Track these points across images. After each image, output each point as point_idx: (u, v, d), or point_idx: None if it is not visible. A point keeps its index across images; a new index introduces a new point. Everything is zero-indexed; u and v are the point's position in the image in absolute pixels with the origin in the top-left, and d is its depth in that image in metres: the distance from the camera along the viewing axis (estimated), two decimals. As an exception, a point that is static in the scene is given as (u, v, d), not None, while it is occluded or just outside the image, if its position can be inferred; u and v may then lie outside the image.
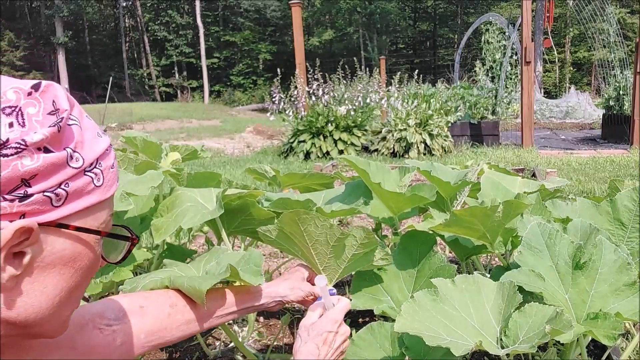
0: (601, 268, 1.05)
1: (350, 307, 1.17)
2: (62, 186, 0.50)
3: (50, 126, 0.48)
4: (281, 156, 7.60)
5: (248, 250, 1.12)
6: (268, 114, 8.26)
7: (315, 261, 1.10)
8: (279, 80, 8.16)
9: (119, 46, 37.81)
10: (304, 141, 7.32)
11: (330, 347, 0.90)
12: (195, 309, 0.94)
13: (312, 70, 7.95)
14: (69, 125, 0.52)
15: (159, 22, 36.95)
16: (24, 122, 0.47)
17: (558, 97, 17.78)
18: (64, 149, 0.50)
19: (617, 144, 7.69)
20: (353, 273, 1.29)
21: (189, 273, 1.10)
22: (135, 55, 39.76)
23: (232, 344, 1.69)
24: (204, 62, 33.13)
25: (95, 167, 0.54)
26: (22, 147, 0.46)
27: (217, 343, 1.75)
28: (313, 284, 1.07)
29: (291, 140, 7.57)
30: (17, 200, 0.47)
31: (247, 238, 1.81)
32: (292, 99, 7.91)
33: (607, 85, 9.74)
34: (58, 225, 0.51)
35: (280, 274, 2.37)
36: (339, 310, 0.96)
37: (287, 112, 7.72)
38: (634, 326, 1.51)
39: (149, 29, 37.21)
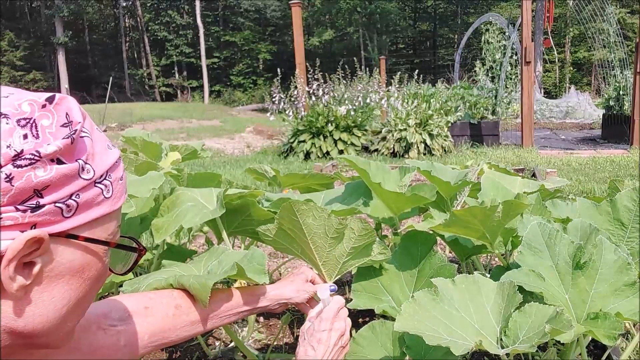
0: (601, 268, 1.05)
1: (352, 306, 1.17)
2: (73, 197, 0.50)
3: (64, 138, 0.49)
4: (281, 156, 7.60)
5: (250, 248, 1.12)
6: (268, 114, 8.27)
7: (315, 256, 1.10)
8: (279, 80, 8.16)
9: (119, 46, 37.81)
10: (304, 141, 7.33)
11: (327, 344, 0.92)
12: (199, 309, 0.94)
13: (312, 70, 7.95)
14: (81, 137, 0.53)
15: (159, 22, 36.95)
16: (37, 134, 0.48)
17: (558, 97, 17.78)
18: (76, 160, 0.51)
19: (617, 144, 7.69)
20: (354, 273, 1.30)
21: (190, 273, 1.10)
22: (135, 55, 39.76)
23: (232, 344, 1.69)
24: (204, 62, 33.12)
25: (105, 178, 0.54)
26: (36, 158, 0.47)
27: (217, 343, 1.75)
28: (315, 284, 1.07)
29: (291, 140, 7.57)
30: (29, 210, 0.47)
31: (247, 238, 1.81)
32: (292, 99, 7.91)
33: (607, 85, 9.74)
34: (68, 235, 0.51)
35: (280, 274, 2.37)
36: (330, 309, 0.98)
37: (287, 112, 7.73)
38: (634, 326, 1.52)
39: (149, 29, 37.20)
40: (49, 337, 0.54)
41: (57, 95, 0.52)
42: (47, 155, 0.47)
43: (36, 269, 0.49)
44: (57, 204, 0.49)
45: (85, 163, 0.52)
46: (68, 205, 0.50)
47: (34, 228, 0.48)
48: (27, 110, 0.48)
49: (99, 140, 0.56)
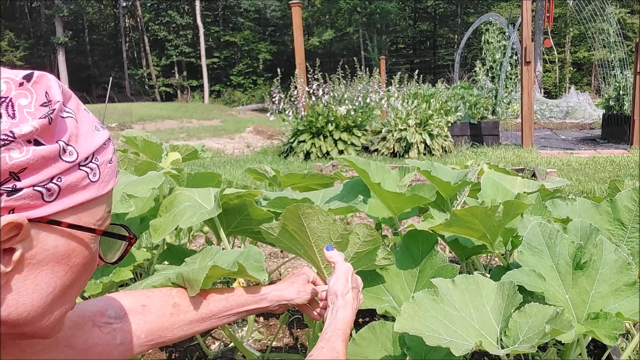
0: (601, 268, 1.05)
1: None
2: (54, 181, 0.48)
3: (40, 118, 0.47)
4: (281, 156, 7.60)
5: (247, 247, 1.11)
6: (268, 114, 8.27)
7: (318, 259, 1.09)
8: (279, 80, 8.16)
9: (119, 46, 37.83)
10: (304, 141, 7.32)
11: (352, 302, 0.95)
12: (198, 309, 0.93)
13: (312, 70, 7.95)
14: (63, 117, 0.50)
15: (159, 22, 36.96)
16: (14, 114, 0.46)
17: (558, 97, 17.78)
18: (56, 142, 0.48)
19: (617, 144, 7.69)
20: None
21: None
22: (135, 55, 39.77)
23: (231, 344, 1.69)
24: (204, 62, 33.12)
25: (90, 161, 0.52)
26: (9, 139, 0.44)
27: (217, 343, 1.75)
28: (316, 284, 1.07)
29: (291, 140, 7.57)
30: (6, 194, 0.45)
31: (247, 238, 1.80)
32: (292, 99, 7.91)
33: (607, 85, 9.74)
34: (50, 222, 0.49)
35: (280, 274, 2.36)
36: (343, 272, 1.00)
37: (287, 112, 7.73)
38: (634, 326, 1.51)
39: (149, 29, 37.22)
40: (35, 326, 0.52)
41: (36, 72, 0.49)
42: (22, 135, 0.45)
43: (16, 255, 0.47)
44: (36, 188, 0.47)
45: (67, 145, 0.49)
46: (49, 189, 0.48)
47: (12, 213, 0.46)
48: (2, 89, 0.46)
49: (85, 120, 0.53)
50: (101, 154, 0.54)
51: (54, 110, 0.48)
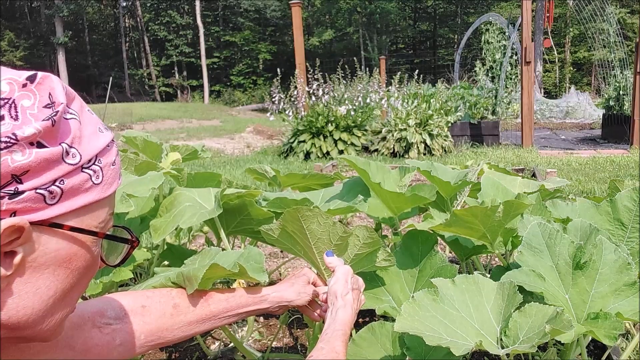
0: (601, 268, 1.05)
1: None
2: (57, 183, 0.48)
3: (43, 120, 0.46)
4: (281, 156, 7.60)
5: (247, 248, 1.11)
6: (268, 114, 8.27)
7: (317, 261, 1.09)
8: (279, 80, 8.16)
9: (119, 46, 37.84)
10: (304, 141, 7.32)
11: (355, 302, 0.95)
12: (198, 310, 0.93)
13: (312, 70, 7.95)
14: (67, 119, 0.50)
15: (159, 22, 36.96)
16: (17, 116, 0.45)
17: (558, 97, 17.77)
18: (60, 144, 0.48)
19: (617, 144, 7.69)
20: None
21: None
22: (135, 55, 39.77)
23: (231, 344, 1.69)
24: (204, 62, 33.12)
25: (94, 163, 0.51)
26: (12, 141, 0.44)
27: (217, 343, 1.75)
28: (317, 286, 1.07)
29: (291, 140, 7.57)
30: (7, 197, 0.44)
31: (247, 238, 1.80)
32: (292, 99, 7.91)
33: (607, 85, 9.74)
34: (52, 224, 0.48)
35: (280, 274, 2.36)
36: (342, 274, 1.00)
37: (287, 112, 7.73)
38: (634, 326, 1.51)
39: (149, 29, 37.21)
40: (35, 330, 0.52)
41: (40, 73, 0.48)
42: (25, 138, 0.44)
43: (17, 258, 0.47)
44: (38, 191, 0.46)
45: (70, 147, 0.49)
46: (51, 192, 0.47)
47: (14, 216, 0.45)
48: (5, 90, 0.45)
49: (89, 122, 0.53)
50: (104, 155, 0.53)
51: (57, 112, 0.48)
